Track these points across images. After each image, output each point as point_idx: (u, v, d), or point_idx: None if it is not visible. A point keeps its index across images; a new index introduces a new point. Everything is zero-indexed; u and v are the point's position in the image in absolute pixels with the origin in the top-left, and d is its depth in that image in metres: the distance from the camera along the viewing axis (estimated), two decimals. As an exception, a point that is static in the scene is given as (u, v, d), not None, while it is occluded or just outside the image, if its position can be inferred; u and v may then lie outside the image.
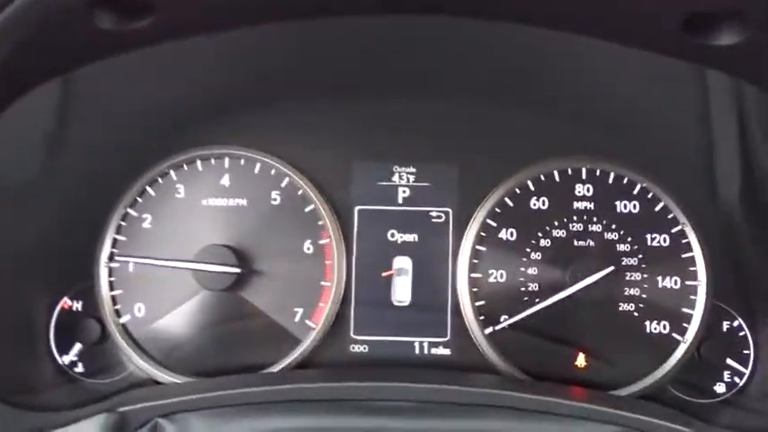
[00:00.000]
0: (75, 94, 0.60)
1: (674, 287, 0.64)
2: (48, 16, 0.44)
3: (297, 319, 0.64)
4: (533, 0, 0.44)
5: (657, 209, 0.64)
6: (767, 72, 0.49)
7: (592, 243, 0.64)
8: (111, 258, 0.64)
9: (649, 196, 0.64)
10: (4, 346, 0.60)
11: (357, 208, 0.66)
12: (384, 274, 0.66)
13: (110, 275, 0.64)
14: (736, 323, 0.63)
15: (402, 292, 0.65)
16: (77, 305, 0.65)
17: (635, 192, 0.64)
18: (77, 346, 0.64)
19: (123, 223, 0.65)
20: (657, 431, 0.48)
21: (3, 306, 0.59)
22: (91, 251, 0.65)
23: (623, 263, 0.64)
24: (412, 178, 0.66)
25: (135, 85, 0.59)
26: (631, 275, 0.64)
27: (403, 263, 0.66)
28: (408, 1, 0.48)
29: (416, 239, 0.66)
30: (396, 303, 0.65)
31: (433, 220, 0.66)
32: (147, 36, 0.46)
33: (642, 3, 0.41)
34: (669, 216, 0.64)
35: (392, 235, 0.66)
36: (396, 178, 0.66)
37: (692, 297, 0.63)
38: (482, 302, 0.64)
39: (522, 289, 0.64)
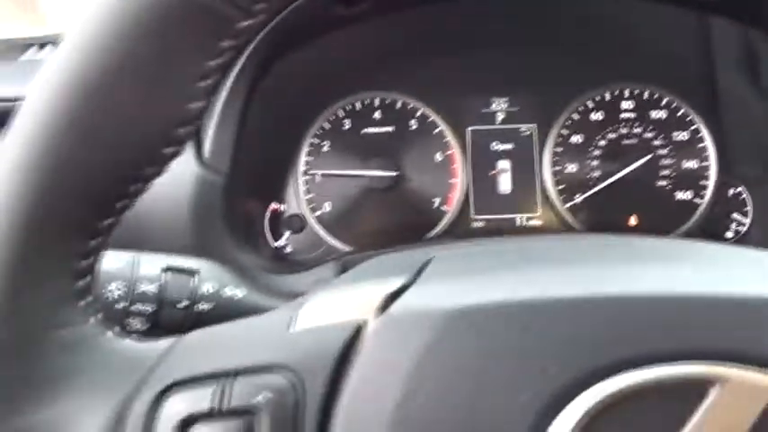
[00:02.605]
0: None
1: (694, 167, 0.91)
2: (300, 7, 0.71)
3: (435, 206, 0.92)
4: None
5: (679, 114, 0.91)
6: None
7: (635, 141, 0.91)
8: (304, 173, 0.93)
9: (673, 105, 0.91)
10: (239, 239, 0.80)
11: (469, 128, 0.94)
12: (491, 172, 0.94)
13: (304, 185, 0.93)
14: (738, 189, 0.91)
15: (505, 184, 0.93)
16: (283, 207, 0.94)
17: (662, 103, 0.91)
18: (286, 234, 0.93)
19: (310, 148, 0.93)
20: None
21: (236, 213, 0.80)
22: (288, 169, 0.93)
23: (658, 153, 0.91)
24: (506, 105, 0.94)
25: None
26: (663, 161, 0.91)
27: (504, 165, 0.93)
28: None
29: (512, 147, 0.93)
30: (501, 192, 0.93)
31: (523, 134, 0.94)
32: (360, 16, 0.71)
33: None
34: (688, 118, 0.91)
35: (494, 145, 0.93)
36: (494, 106, 0.94)
37: (707, 173, 0.90)
38: (562, 186, 0.92)
39: (589, 175, 0.91)
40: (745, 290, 0.28)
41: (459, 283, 0.31)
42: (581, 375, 0.26)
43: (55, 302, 0.30)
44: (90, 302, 0.32)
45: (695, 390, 0.26)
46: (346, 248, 0.90)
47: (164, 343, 0.32)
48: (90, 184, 0.29)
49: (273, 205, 0.91)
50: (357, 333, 0.29)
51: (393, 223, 0.91)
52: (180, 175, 0.69)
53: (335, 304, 0.31)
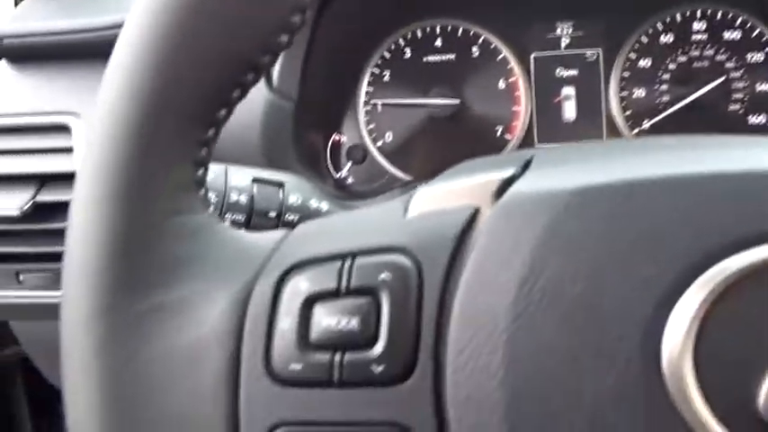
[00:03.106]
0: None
1: (766, 90, 0.88)
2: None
3: (497, 134, 0.91)
4: None
5: (754, 35, 0.88)
6: None
7: (706, 63, 0.88)
8: (365, 103, 0.93)
9: (747, 26, 0.88)
10: (306, 169, 0.83)
11: (533, 54, 0.92)
12: (555, 99, 0.92)
13: (366, 115, 0.93)
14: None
15: (569, 111, 0.91)
16: (344, 138, 0.94)
17: (736, 24, 0.88)
18: (347, 165, 0.94)
19: (371, 77, 0.93)
20: None
21: (304, 143, 0.82)
22: (349, 99, 0.93)
23: (730, 76, 0.87)
24: (571, 30, 0.91)
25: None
26: (736, 84, 0.88)
27: (568, 91, 0.91)
28: None
29: (577, 73, 0.91)
30: (565, 120, 0.92)
31: (588, 59, 0.91)
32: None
33: None
34: (763, 39, 0.87)
35: (559, 71, 0.91)
36: (558, 31, 0.91)
37: (782, 97, 0.88)
38: (629, 112, 0.90)
39: (657, 100, 0.89)
40: None
41: (573, 169, 0.31)
42: (710, 251, 0.26)
43: (178, 189, 0.31)
44: (206, 194, 0.32)
45: None
46: (408, 178, 0.90)
47: (278, 233, 0.33)
48: (207, 75, 0.30)
49: (335, 136, 0.91)
50: (474, 217, 0.30)
51: (455, 152, 0.90)
52: (251, 102, 0.70)
53: (448, 192, 0.32)
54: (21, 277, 0.72)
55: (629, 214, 0.28)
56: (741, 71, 0.86)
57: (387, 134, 0.91)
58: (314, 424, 0.28)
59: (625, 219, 0.28)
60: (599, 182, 0.29)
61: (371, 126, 0.91)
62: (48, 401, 1.13)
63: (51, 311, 0.35)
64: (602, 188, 0.28)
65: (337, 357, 0.28)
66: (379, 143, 0.91)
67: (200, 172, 0.32)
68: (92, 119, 0.31)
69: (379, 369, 0.28)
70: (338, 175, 0.91)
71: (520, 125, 0.89)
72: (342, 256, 0.30)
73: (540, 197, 0.29)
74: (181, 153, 0.30)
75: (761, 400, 0.25)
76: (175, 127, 0.30)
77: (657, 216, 0.27)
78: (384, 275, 0.29)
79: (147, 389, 0.29)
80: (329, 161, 0.91)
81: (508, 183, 0.31)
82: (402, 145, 0.91)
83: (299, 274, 0.30)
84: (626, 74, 0.88)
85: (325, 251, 0.30)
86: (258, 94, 0.71)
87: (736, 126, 0.86)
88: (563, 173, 0.30)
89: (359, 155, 0.91)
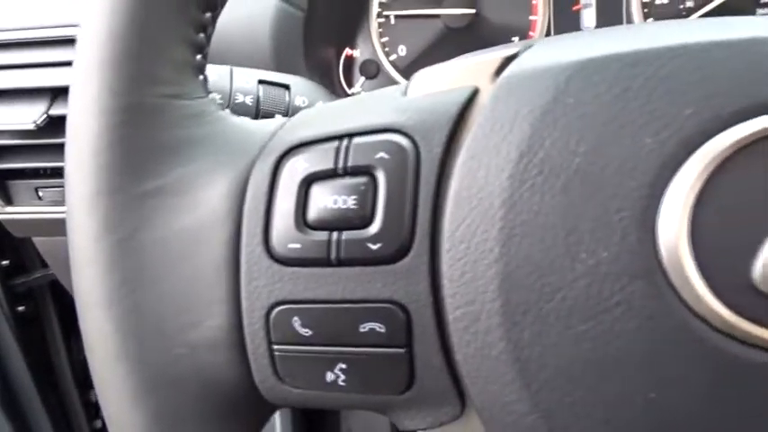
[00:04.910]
0: None
1: (799, -7, 0.84)
2: None
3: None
4: None
5: (787, -67, 0.83)
6: None
7: (734, -34, 0.85)
8: (378, 15, 0.90)
9: (780, -77, 0.83)
10: (317, 80, 0.86)
11: (551, -40, 0.89)
12: (574, 8, 0.89)
13: (378, 27, 0.91)
14: None
15: (589, 20, 0.88)
16: (356, 53, 0.93)
17: None
18: (360, 80, 0.92)
19: (383, -11, 0.90)
20: None
21: (315, 57, 0.83)
22: (362, 13, 0.91)
23: (758, -21, 0.85)
24: (592, -67, 0.88)
25: None
26: (765, -13, 0.85)
27: (587, -1, 0.89)
28: None
29: (597, -21, 0.88)
30: (585, 29, 0.89)
31: (609, -37, 0.88)
32: None
33: None
34: (796, -63, 0.83)
35: (578, -22, 0.89)
36: (579, -65, 0.88)
37: (813, -1, 0.84)
38: (651, 20, 0.86)
39: (681, 5, 0.86)
40: None
41: (574, 44, 0.30)
42: (707, 124, 0.26)
43: (177, 72, 0.30)
44: (207, 80, 0.32)
45: None
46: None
47: (280, 119, 0.33)
48: None
49: (347, 51, 0.90)
50: (473, 96, 0.29)
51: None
52: (262, 9, 0.69)
53: (448, 73, 0.31)
54: (40, 193, 0.73)
55: (630, 86, 0.27)
56: (771, -28, 0.82)
57: (400, 47, 0.89)
58: (313, 302, 0.29)
59: (626, 91, 0.27)
60: (600, 54, 0.28)
61: (384, 39, 0.89)
62: (77, 321, 1.18)
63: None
64: (604, 59, 0.27)
65: (335, 236, 0.29)
66: (393, 57, 0.89)
67: (201, 56, 0.32)
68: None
69: (375, 247, 0.28)
70: (351, 91, 0.90)
71: (537, 35, 0.87)
72: (339, 137, 0.30)
73: (541, 72, 0.28)
74: (179, 35, 0.30)
75: (756, 270, 0.25)
76: (171, 3, 0.29)
77: (656, 89, 0.26)
78: (381, 154, 0.29)
79: (150, 269, 0.29)
80: (341, 76, 0.90)
81: (508, 61, 0.30)
82: (416, 59, 0.89)
83: (297, 155, 0.30)
84: (649, -21, 0.85)
85: (322, 132, 0.30)
86: (269, 2, 0.69)
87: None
88: (564, 48, 0.30)
89: (372, 70, 0.90)
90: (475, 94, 0.29)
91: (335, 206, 0.29)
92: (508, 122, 0.28)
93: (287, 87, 0.49)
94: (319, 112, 0.32)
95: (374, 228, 0.28)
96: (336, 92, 0.88)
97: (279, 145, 0.30)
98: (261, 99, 0.48)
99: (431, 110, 0.29)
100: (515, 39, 0.87)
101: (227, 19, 0.68)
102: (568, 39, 0.32)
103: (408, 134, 0.29)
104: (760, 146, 0.25)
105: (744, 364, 0.25)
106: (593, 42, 0.30)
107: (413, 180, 0.28)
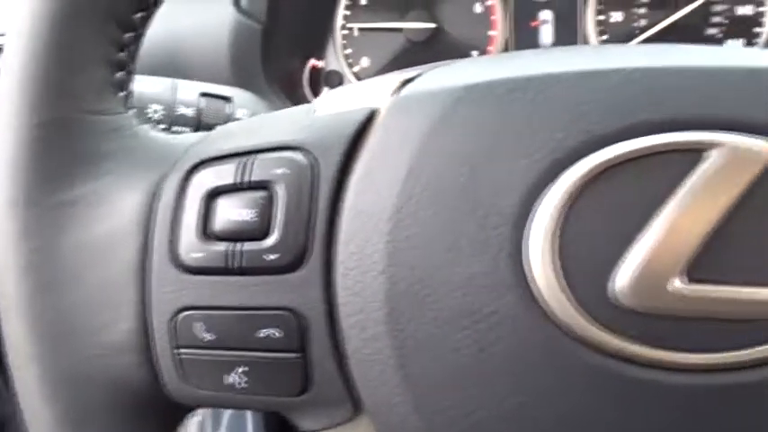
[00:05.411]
0: None
1: (748, 13, 0.86)
2: None
3: (473, 59, 0.92)
4: None
5: (736, -45, 0.86)
6: None
7: (685, -14, 0.87)
8: (342, 27, 0.92)
9: (730, -54, 0.86)
10: (279, 95, 0.86)
11: (511, -23, 0.91)
12: (532, 24, 0.92)
13: (342, 39, 0.93)
14: (794, 36, 0.86)
15: (546, 36, 0.90)
16: (321, 63, 0.95)
17: (719, -56, 0.86)
18: (325, 90, 0.94)
19: (348, 2, 0.92)
20: None
21: (276, 68, 0.83)
22: (326, 24, 0.93)
23: (710, -1, 0.88)
24: (550, -48, 0.90)
25: None
26: (715, 7, 0.87)
27: (545, 15, 0.91)
28: None
29: (555, -3, 0.91)
30: (542, 44, 0.91)
31: (566, -18, 0.90)
32: None
33: None
34: (745, -40, 0.86)
35: (537, -4, 0.91)
36: (538, -47, 0.91)
37: (762, 20, 0.86)
38: (605, 36, 0.89)
39: (635, 24, 0.88)
40: (738, 61, 0.28)
41: (470, 69, 0.32)
42: (582, 142, 0.28)
43: (96, 89, 0.32)
44: (128, 96, 0.34)
45: (689, 157, 0.27)
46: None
47: (196, 135, 0.34)
48: None
49: (313, 62, 0.92)
50: (372, 117, 0.31)
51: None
52: (219, 22, 0.71)
53: (353, 93, 0.33)
54: None
55: (509, 111, 0.29)
56: (721, -7, 0.85)
57: (363, 59, 0.91)
58: (215, 308, 0.31)
59: (505, 115, 0.29)
60: (487, 79, 0.30)
61: (348, 51, 0.91)
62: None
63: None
64: (489, 84, 0.30)
65: (237, 247, 0.30)
66: (356, 68, 0.91)
67: (121, 74, 0.34)
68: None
69: (272, 258, 0.30)
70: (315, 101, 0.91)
71: (496, 50, 0.89)
72: (245, 153, 0.31)
73: (432, 94, 0.30)
74: (97, 53, 0.32)
75: (614, 284, 0.27)
76: (91, 28, 0.31)
77: (533, 113, 0.28)
78: (281, 170, 0.31)
79: (64, 275, 0.31)
80: (307, 87, 0.91)
81: (407, 83, 0.32)
82: (378, 71, 0.91)
83: (205, 170, 0.32)
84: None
85: (232, 148, 0.32)
86: (227, 15, 0.71)
87: (714, 51, 0.85)
88: (458, 72, 0.32)
89: (335, 80, 0.92)
90: (373, 114, 0.31)
91: (238, 218, 0.31)
92: (399, 141, 0.30)
93: (228, 99, 0.51)
94: (235, 128, 0.34)
95: (272, 239, 0.30)
96: (301, 102, 0.90)
97: (190, 159, 0.32)
98: (202, 111, 0.49)
99: (331, 128, 0.31)
100: (474, 53, 0.89)
101: (186, 31, 0.70)
102: (467, 63, 0.34)
103: (309, 151, 0.31)
104: (624, 167, 0.27)
105: (605, 373, 0.27)
106: (487, 67, 0.32)
107: (309, 195, 0.30)
